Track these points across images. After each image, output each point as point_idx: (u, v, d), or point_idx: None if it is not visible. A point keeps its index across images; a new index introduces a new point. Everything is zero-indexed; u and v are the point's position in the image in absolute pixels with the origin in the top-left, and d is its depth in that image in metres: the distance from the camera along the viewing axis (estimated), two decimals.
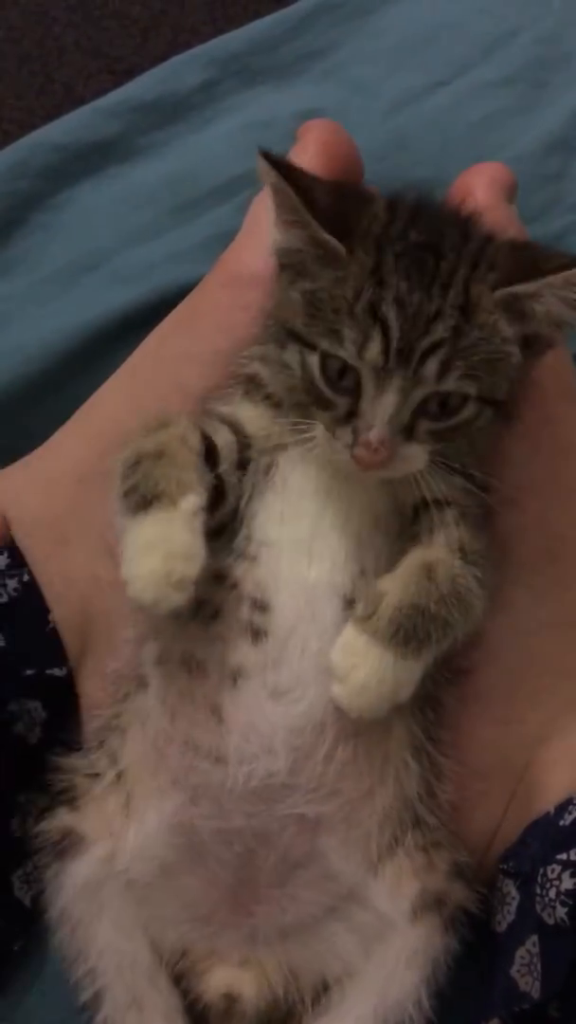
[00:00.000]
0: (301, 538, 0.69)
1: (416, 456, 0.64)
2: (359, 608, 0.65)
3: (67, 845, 0.70)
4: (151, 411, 0.72)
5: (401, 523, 0.70)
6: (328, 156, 0.78)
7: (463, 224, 0.67)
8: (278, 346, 0.68)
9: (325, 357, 0.63)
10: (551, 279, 0.62)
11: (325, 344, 0.63)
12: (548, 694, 0.75)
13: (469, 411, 0.64)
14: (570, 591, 0.77)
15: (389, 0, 1.02)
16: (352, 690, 0.64)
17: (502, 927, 0.71)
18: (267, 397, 0.72)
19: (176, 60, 1.01)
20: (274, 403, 0.72)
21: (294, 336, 0.66)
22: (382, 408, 0.61)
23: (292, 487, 0.70)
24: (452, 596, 0.64)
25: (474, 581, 0.66)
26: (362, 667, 0.63)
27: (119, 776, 0.71)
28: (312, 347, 0.64)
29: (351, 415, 0.63)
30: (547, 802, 0.71)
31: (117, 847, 0.69)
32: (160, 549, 0.61)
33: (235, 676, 0.68)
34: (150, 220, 0.96)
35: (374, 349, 0.61)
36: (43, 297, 0.94)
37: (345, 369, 0.63)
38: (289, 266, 0.67)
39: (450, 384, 0.62)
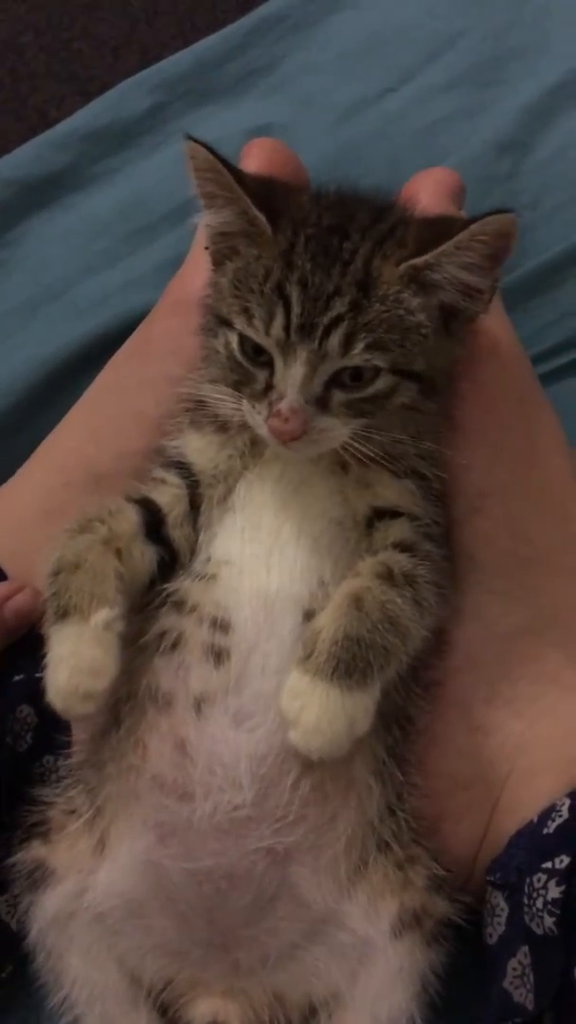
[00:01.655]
0: (260, 552, 0.70)
1: (334, 429, 0.66)
2: (300, 649, 0.66)
3: (38, 877, 0.70)
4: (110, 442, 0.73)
5: (358, 532, 0.71)
6: (271, 173, 0.78)
7: (377, 208, 0.70)
8: (211, 336, 0.71)
9: (241, 335, 0.66)
10: (444, 247, 0.65)
11: (239, 322, 0.66)
12: (527, 700, 0.74)
13: (383, 382, 0.65)
14: (544, 595, 0.76)
15: (331, 10, 1.02)
16: (305, 733, 0.63)
17: (493, 939, 0.70)
18: (213, 421, 0.73)
19: (123, 86, 1.01)
20: (220, 427, 0.72)
21: (221, 320, 0.69)
22: (292, 379, 0.64)
23: (251, 504, 0.72)
24: (384, 622, 0.64)
25: (406, 603, 0.66)
26: (310, 708, 0.63)
27: (96, 813, 0.70)
28: (232, 326, 0.67)
29: (268, 389, 0.65)
30: (531, 810, 0.70)
31: (87, 884, 0.69)
32: (69, 664, 0.64)
33: (199, 704, 0.67)
34: (105, 248, 0.96)
35: (277, 325, 0.64)
36: (4, 333, 0.94)
37: (261, 346, 0.66)
38: (219, 252, 0.70)
39: (356, 357, 0.64)
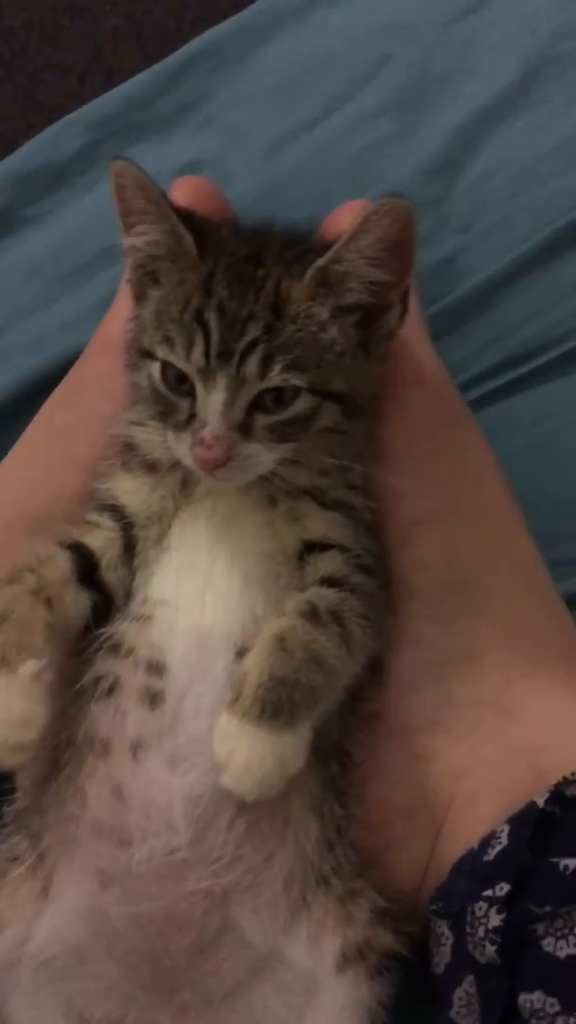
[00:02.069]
0: (194, 591, 0.70)
1: (258, 455, 0.67)
2: (230, 693, 0.66)
3: None
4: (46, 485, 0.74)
5: (290, 566, 0.71)
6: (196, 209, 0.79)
7: (291, 237, 0.72)
8: (135, 370, 0.72)
9: (163, 364, 0.67)
10: (342, 238, 0.66)
11: (161, 351, 0.67)
12: (467, 726, 0.75)
13: (303, 403, 0.66)
14: (482, 619, 0.76)
15: (260, 42, 1.03)
16: (236, 776, 0.63)
17: (440, 968, 0.70)
18: (143, 462, 0.73)
19: (55, 127, 1.02)
20: (150, 467, 0.73)
21: (143, 352, 0.70)
22: (213, 405, 0.65)
23: (185, 543, 0.72)
24: (309, 662, 0.65)
25: (332, 640, 0.66)
26: (240, 751, 0.63)
27: (39, 859, 0.70)
28: (154, 356, 0.68)
29: (191, 418, 0.66)
30: (472, 837, 0.71)
31: (30, 932, 0.69)
32: None
33: (135, 748, 0.68)
34: (40, 290, 0.96)
35: (198, 351, 0.65)
36: None
37: (183, 375, 0.67)
38: (141, 283, 0.72)
39: (275, 379, 0.65)
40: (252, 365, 0.65)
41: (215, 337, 0.65)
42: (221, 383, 0.65)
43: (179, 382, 0.67)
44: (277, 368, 0.65)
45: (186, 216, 0.70)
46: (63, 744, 0.70)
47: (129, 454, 0.74)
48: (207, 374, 0.65)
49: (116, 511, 0.73)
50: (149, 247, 0.70)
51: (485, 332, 0.93)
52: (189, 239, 0.68)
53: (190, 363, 0.66)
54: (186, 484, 0.73)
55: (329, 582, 0.70)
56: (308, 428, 0.67)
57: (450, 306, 0.94)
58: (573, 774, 0.68)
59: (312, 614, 0.66)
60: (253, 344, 0.65)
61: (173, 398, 0.68)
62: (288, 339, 0.65)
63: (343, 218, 0.79)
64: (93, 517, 0.74)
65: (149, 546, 0.73)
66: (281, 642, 0.65)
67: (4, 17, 1.16)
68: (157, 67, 1.04)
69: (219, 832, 0.67)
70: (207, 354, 0.65)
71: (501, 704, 0.75)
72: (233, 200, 0.91)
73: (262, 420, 0.66)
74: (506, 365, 0.92)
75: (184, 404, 0.67)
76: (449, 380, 0.80)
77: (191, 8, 1.15)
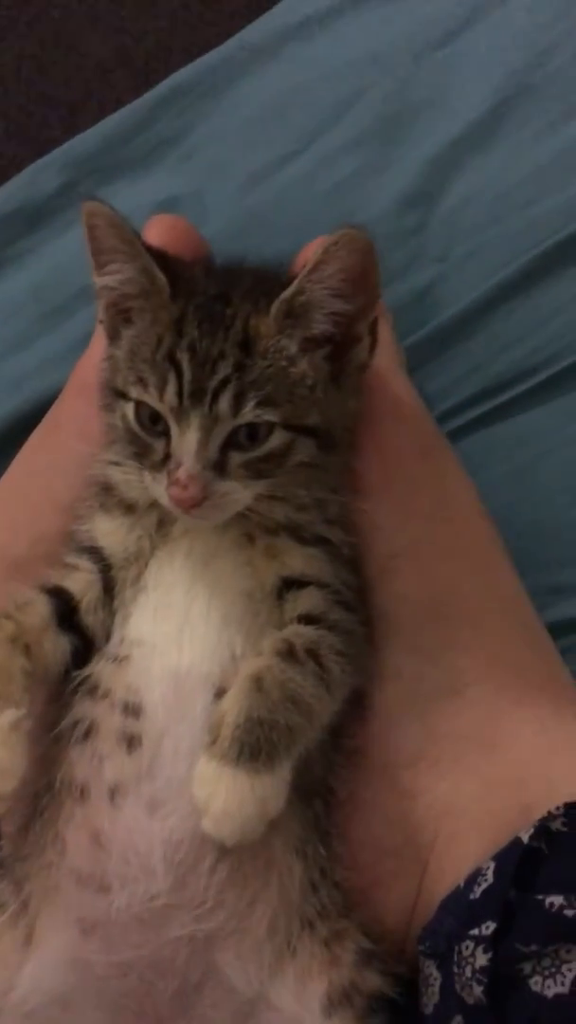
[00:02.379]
0: (172, 631, 0.70)
1: (234, 492, 0.67)
2: (207, 736, 0.65)
3: None
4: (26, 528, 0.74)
5: (268, 604, 0.71)
6: (170, 251, 0.79)
7: (261, 275, 0.72)
8: (109, 411, 0.72)
9: (137, 404, 0.68)
10: (303, 271, 0.67)
11: (135, 392, 0.68)
12: (451, 761, 0.74)
13: (278, 438, 0.67)
14: (463, 651, 0.76)
15: (236, 78, 1.03)
16: (216, 820, 0.63)
17: (429, 1009, 0.69)
18: (119, 502, 0.73)
19: (32, 167, 1.03)
20: (128, 508, 0.73)
21: (117, 393, 0.70)
22: (187, 445, 0.65)
23: (162, 583, 0.72)
24: (285, 702, 0.64)
25: (308, 679, 0.65)
26: (219, 795, 0.63)
27: (22, 907, 0.70)
28: (128, 397, 0.69)
29: (167, 458, 0.66)
30: (458, 874, 0.70)
31: (13, 981, 0.68)
32: None
33: (113, 793, 0.67)
34: (19, 330, 0.97)
35: (170, 391, 0.65)
36: None
37: (157, 414, 0.67)
38: (113, 323, 0.72)
39: (247, 415, 0.65)
40: (224, 403, 0.65)
41: (187, 376, 0.65)
42: (194, 422, 0.65)
43: (153, 422, 0.67)
44: (250, 404, 0.65)
45: (159, 256, 0.70)
46: (43, 790, 0.70)
47: (106, 495, 0.74)
48: (180, 413, 0.65)
49: (95, 553, 0.73)
50: (122, 285, 0.70)
51: (463, 361, 0.93)
52: (162, 278, 0.68)
53: (163, 403, 0.66)
54: (163, 524, 0.73)
55: (307, 619, 0.69)
56: (283, 464, 0.68)
57: (428, 336, 0.94)
58: (558, 808, 0.67)
59: (289, 653, 0.66)
60: (224, 382, 0.65)
61: (148, 438, 0.68)
62: (259, 375, 0.66)
63: (310, 253, 0.79)
64: (72, 559, 0.74)
65: (127, 586, 0.73)
66: (257, 682, 0.65)
67: None
68: (133, 105, 1.04)
69: (200, 877, 0.66)
70: (180, 394, 0.65)
71: (485, 737, 0.74)
72: (210, 236, 0.91)
73: (237, 458, 0.66)
74: (485, 394, 0.92)
75: (159, 444, 0.67)
76: (426, 412, 0.80)
77: (179, 38, 1.16)
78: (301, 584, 0.71)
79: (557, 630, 0.83)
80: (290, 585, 0.71)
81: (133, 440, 0.69)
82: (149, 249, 0.69)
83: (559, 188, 0.95)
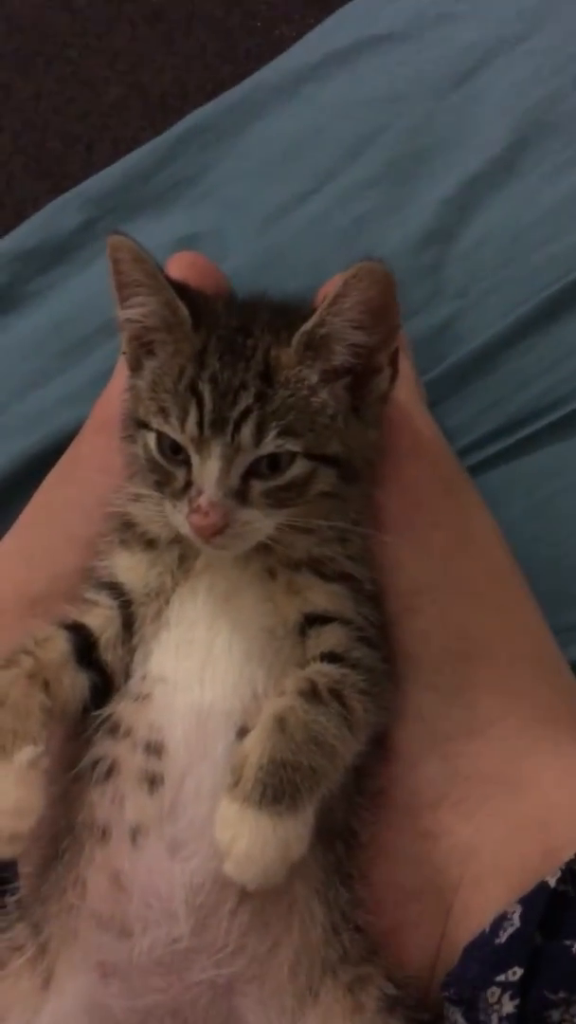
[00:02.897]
0: (194, 668, 0.70)
1: (256, 521, 0.67)
2: (229, 777, 0.64)
3: None
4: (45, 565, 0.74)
5: (291, 640, 0.70)
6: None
7: (281, 308, 0.73)
8: (131, 442, 0.72)
9: (159, 434, 0.68)
10: (324, 304, 0.67)
11: (156, 422, 0.68)
12: (474, 802, 0.73)
13: (299, 467, 0.67)
14: (485, 690, 0.75)
15: (254, 117, 1.05)
16: (239, 863, 0.62)
17: None
18: (140, 538, 0.73)
19: (53, 204, 1.03)
20: (148, 544, 0.73)
21: (139, 423, 0.71)
22: (208, 473, 0.65)
23: (184, 619, 0.72)
24: (309, 743, 0.63)
25: (332, 720, 0.64)
26: (242, 837, 0.62)
27: (40, 950, 0.69)
28: (149, 427, 0.69)
29: (188, 486, 0.67)
30: (483, 918, 0.68)
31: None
32: None
33: (134, 834, 0.66)
34: (39, 367, 0.97)
35: (191, 422, 0.66)
36: None
37: (178, 445, 0.67)
38: (136, 354, 0.73)
39: (269, 445, 0.65)
40: (246, 432, 0.65)
41: (208, 407, 0.66)
42: (216, 451, 0.65)
43: (174, 452, 0.68)
44: (271, 434, 0.65)
45: (181, 289, 0.71)
46: (62, 831, 0.69)
47: (127, 531, 0.74)
48: (201, 443, 0.66)
49: (114, 588, 0.73)
50: (145, 318, 0.71)
51: (484, 396, 0.93)
52: (184, 310, 0.69)
53: (184, 433, 0.66)
54: (184, 559, 0.73)
55: (330, 657, 0.69)
56: (305, 493, 0.68)
57: (448, 371, 0.94)
58: None
59: (312, 693, 0.65)
60: (246, 412, 0.65)
61: (168, 467, 0.68)
62: (280, 405, 0.66)
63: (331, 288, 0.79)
64: (91, 595, 0.73)
65: (147, 623, 0.72)
66: (280, 723, 0.64)
67: (13, 90, 1.18)
68: (153, 143, 1.05)
69: (222, 920, 0.65)
70: (200, 424, 0.66)
71: (508, 778, 0.73)
72: (230, 272, 0.92)
73: (258, 486, 0.66)
74: (505, 430, 0.92)
75: (180, 472, 0.67)
76: (447, 448, 0.80)
77: (194, 75, 1.17)
78: (324, 620, 0.71)
79: None
80: (313, 621, 0.71)
81: (155, 468, 0.69)
82: (172, 282, 0.70)
83: (574, 228, 0.95)
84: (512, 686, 0.75)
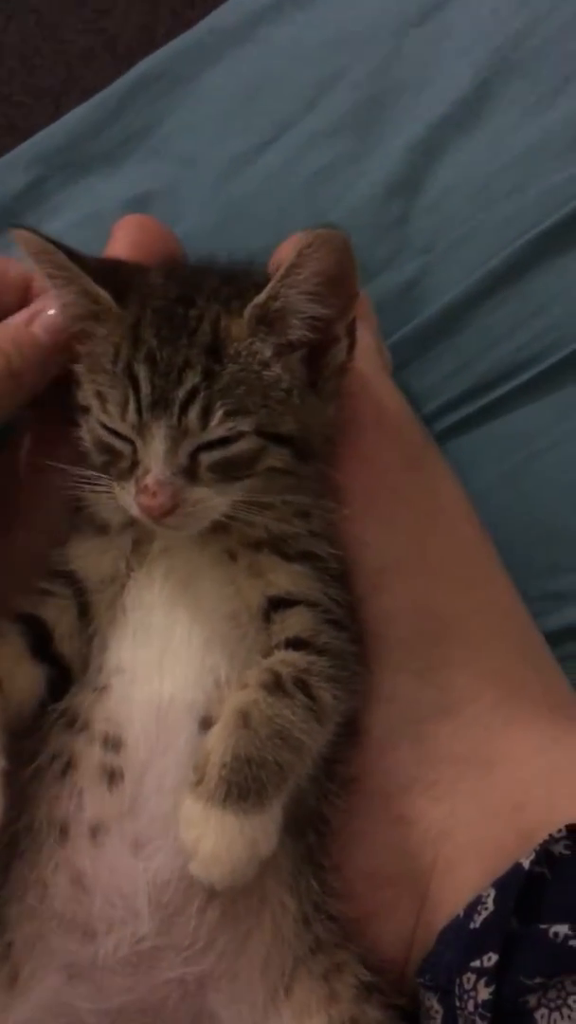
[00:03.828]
0: (152, 657, 0.68)
1: (208, 499, 0.64)
2: (193, 774, 0.62)
3: None
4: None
5: (255, 625, 0.68)
6: (140, 253, 0.76)
7: (229, 273, 0.69)
8: (75, 427, 0.69)
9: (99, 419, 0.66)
10: (277, 275, 0.64)
11: (95, 407, 0.65)
12: (447, 784, 0.71)
13: (247, 443, 0.64)
14: (456, 669, 0.73)
15: (208, 64, 0.98)
16: (205, 864, 0.60)
17: None
18: (92, 523, 0.71)
19: None
20: (100, 528, 0.71)
21: (81, 409, 0.68)
22: (154, 452, 0.62)
23: (141, 607, 0.69)
24: (274, 738, 0.61)
25: (298, 713, 0.62)
26: (207, 837, 0.60)
27: (6, 949, 0.67)
28: (90, 411, 0.66)
29: (135, 465, 0.64)
30: (457, 903, 0.67)
31: None
32: None
33: (95, 831, 0.65)
34: None
35: (131, 409, 0.63)
36: None
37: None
38: (74, 338, 0.69)
39: (219, 430, 0.62)
40: (193, 415, 0.62)
41: (146, 390, 0.62)
42: (159, 433, 0.62)
43: (118, 433, 0.65)
44: (218, 415, 0.62)
45: (104, 265, 0.68)
46: (22, 830, 0.67)
47: (78, 516, 0.71)
48: (143, 428, 0.63)
49: (68, 576, 0.71)
50: (67, 308, 0.68)
51: (451, 358, 0.89)
52: (105, 295, 0.66)
53: (125, 421, 0.64)
54: (140, 543, 0.70)
55: (296, 644, 0.66)
56: (253, 466, 0.65)
57: (414, 332, 0.89)
58: (559, 831, 0.65)
59: (276, 685, 0.63)
60: (193, 393, 0.62)
61: (115, 445, 0.65)
62: (229, 381, 0.63)
63: (285, 252, 0.75)
64: (45, 585, 0.71)
65: (103, 611, 0.70)
66: (244, 718, 0.62)
67: None
68: (102, 95, 0.99)
69: (190, 918, 0.64)
70: (139, 410, 0.63)
71: (482, 759, 0.71)
72: (186, 232, 0.88)
73: (205, 460, 0.63)
74: (474, 392, 0.88)
75: (127, 451, 0.65)
76: (413, 418, 0.76)
77: (163, 22, 1.11)
78: (289, 603, 0.68)
79: (556, 638, 0.80)
80: (277, 605, 0.68)
81: (101, 449, 0.66)
82: (88, 265, 0.66)
83: (547, 172, 0.90)
84: (485, 664, 0.73)
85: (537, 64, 0.92)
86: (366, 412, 0.73)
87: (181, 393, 0.62)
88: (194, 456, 0.63)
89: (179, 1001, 0.64)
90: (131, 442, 0.64)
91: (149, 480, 0.62)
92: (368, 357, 0.74)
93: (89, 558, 0.70)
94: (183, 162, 0.97)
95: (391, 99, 0.96)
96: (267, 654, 0.66)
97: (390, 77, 0.96)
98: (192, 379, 0.62)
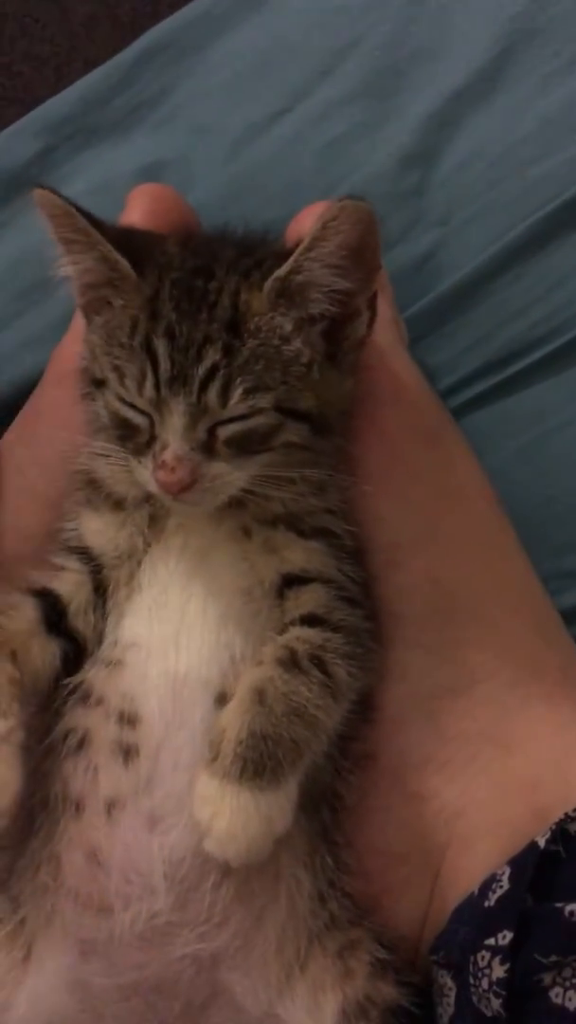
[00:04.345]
0: (168, 632, 0.67)
1: (227, 474, 0.63)
2: (208, 751, 0.62)
3: None
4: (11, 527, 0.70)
5: (269, 601, 0.68)
6: (155, 223, 0.75)
7: (246, 244, 0.68)
8: (91, 400, 0.68)
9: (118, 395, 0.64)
10: (301, 246, 0.62)
11: (113, 382, 0.64)
12: (461, 762, 0.71)
13: (265, 418, 0.62)
14: (471, 647, 0.72)
15: (219, 31, 0.96)
16: (220, 841, 0.60)
17: (444, 1021, 0.67)
18: (107, 499, 0.70)
19: (6, 133, 0.96)
20: (116, 504, 0.70)
21: (97, 382, 0.66)
22: (172, 427, 0.61)
23: (156, 583, 0.69)
24: (289, 715, 0.61)
25: (313, 690, 0.62)
26: (222, 815, 0.60)
27: (20, 924, 0.67)
28: (107, 385, 0.65)
29: (152, 440, 0.63)
30: (471, 880, 0.67)
31: (12, 999, 0.66)
32: None
33: (110, 807, 0.64)
34: None
35: (149, 385, 0.62)
36: None
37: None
38: (89, 307, 0.68)
39: (239, 407, 0.61)
40: (213, 393, 0.61)
41: (164, 365, 0.61)
42: (178, 409, 0.61)
43: (136, 407, 0.64)
44: (238, 393, 0.61)
45: (122, 233, 0.66)
46: (37, 805, 0.67)
47: (93, 490, 0.70)
48: (161, 403, 0.62)
49: (83, 552, 0.70)
50: (84, 275, 0.66)
51: (469, 332, 0.87)
52: (124, 263, 0.64)
53: (142, 397, 0.62)
54: (155, 519, 0.69)
55: (311, 620, 0.66)
56: (269, 441, 0.64)
57: (429, 306, 0.88)
58: (575, 810, 0.64)
59: (292, 662, 0.63)
60: (213, 370, 0.61)
61: (132, 419, 0.64)
62: (249, 357, 0.62)
63: (305, 223, 0.74)
64: (60, 560, 0.70)
65: (119, 587, 0.69)
66: (259, 695, 0.61)
67: None
68: (111, 63, 0.97)
69: (204, 894, 0.63)
70: (157, 385, 0.62)
71: (496, 737, 0.71)
72: (198, 202, 0.86)
73: (223, 433, 0.62)
74: (490, 367, 0.87)
75: (145, 425, 0.63)
76: (429, 393, 0.75)
77: None
78: (303, 580, 0.67)
79: (572, 616, 0.80)
80: (291, 582, 0.68)
81: (117, 424, 0.65)
82: (109, 232, 0.64)
83: (565, 144, 0.88)
84: (500, 642, 0.72)
85: (556, 33, 0.90)
86: (383, 386, 0.71)
87: (201, 370, 0.61)
88: (212, 431, 0.62)
89: (193, 977, 0.64)
90: (149, 416, 0.63)
91: (167, 455, 0.61)
92: (386, 329, 0.72)
93: (105, 534, 0.69)
94: (195, 131, 0.95)
95: (407, 68, 0.93)
96: (281, 631, 0.66)
97: (406, 45, 0.94)
98: (212, 356, 0.61)
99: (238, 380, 0.61)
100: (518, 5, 0.91)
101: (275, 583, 0.68)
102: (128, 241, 0.65)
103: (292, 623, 0.66)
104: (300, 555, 0.68)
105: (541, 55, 0.91)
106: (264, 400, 0.62)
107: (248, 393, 0.61)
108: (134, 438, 0.64)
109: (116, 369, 0.63)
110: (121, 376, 0.63)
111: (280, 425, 0.63)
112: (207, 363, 0.61)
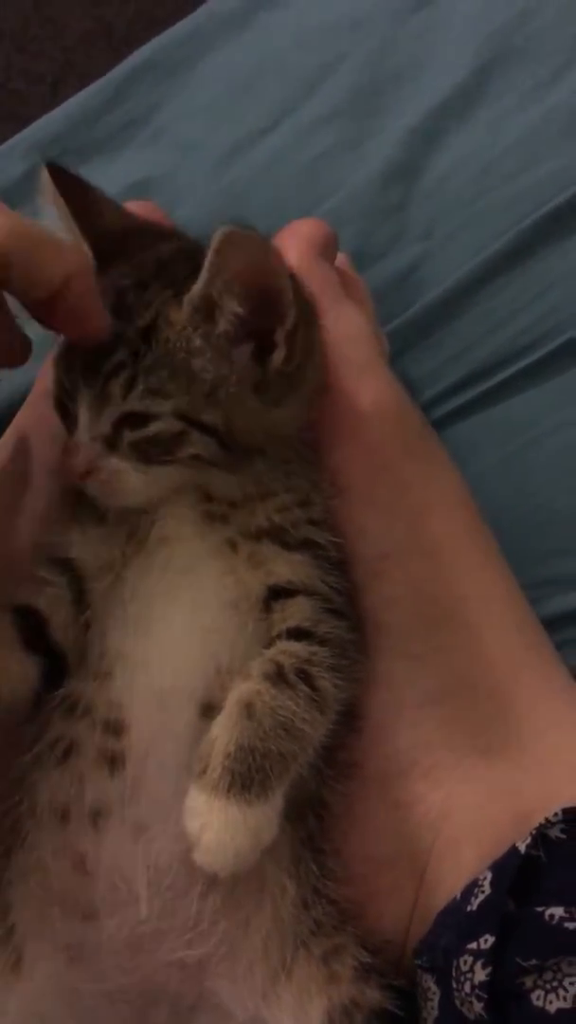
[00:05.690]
0: (152, 645, 0.68)
1: (123, 472, 0.66)
2: (196, 764, 0.63)
3: None
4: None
5: (255, 614, 0.68)
6: None
7: (187, 255, 0.68)
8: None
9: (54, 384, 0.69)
10: (204, 269, 0.63)
11: (56, 368, 0.68)
12: (444, 769, 0.72)
13: (165, 425, 0.65)
14: (455, 655, 0.73)
15: (205, 50, 0.99)
16: (208, 853, 0.61)
17: None
18: (92, 511, 0.70)
19: None
20: (99, 517, 0.71)
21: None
22: (81, 419, 0.66)
23: (141, 595, 0.69)
24: (277, 728, 0.62)
25: (300, 704, 0.63)
26: (210, 827, 0.60)
27: (9, 931, 0.68)
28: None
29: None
30: (455, 884, 0.68)
31: (4, 1006, 0.66)
32: None
33: (95, 816, 0.65)
34: None
35: (75, 370, 0.66)
36: None
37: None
38: None
39: (135, 403, 0.64)
40: (115, 387, 0.64)
41: (83, 360, 0.65)
42: (85, 399, 0.65)
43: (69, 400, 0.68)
44: (139, 391, 0.64)
45: (107, 231, 0.70)
46: (24, 814, 0.68)
47: (78, 503, 0.71)
48: (75, 391, 0.66)
49: (65, 564, 0.71)
50: None
51: (450, 344, 0.89)
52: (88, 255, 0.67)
53: (66, 386, 0.67)
54: (136, 532, 0.70)
55: (297, 634, 0.67)
56: (174, 451, 0.66)
57: (413, 318, 0.89)
58: (556, 815, 0.65)
59: (279, 676, 0.64)
60: (119, 367, 0.64)
61: (68, 405, 0.67)
62: (154, 363, 0.64)
63: (287, 243, 0.75)
64: (42, 573, 0.71)
65: (101, 599, 0.70)
66: (247, 709, 0.62)
67: None
68: (99, 83, 1.00)
69: (191, 901, 0.64)
70: (74, 376, 0.65)
71: (480, 743, 0.72)
72: (185, 218, 0.88)
73: (128, 436, 0.65)
74: (473, 378, 0.88)
75: (73, 411, 0.67)
76: (411, 406, 0.76)
77: (161, 6, 1.12)
78: (288, 593, 0.68)
79: (553, 624, 0.81)
80: (277, 595, 0.68)
81: (61, 411, 0.69)
82: (92, 223, 0.69)
83: (546, 157, 0.90)
84: (482, 650, 0.73)
85: (535, 49, 0.92)
86: (364, 400, 0.72)
87: (108, 365, 0.64)
88: (118, 429, 0.65)
89: (180, 983, 0.65)
90: (71, 407, 0.67)
91: (71, 441, 0.66)
92: (365, 344, 0.74)
93: (88, 546, 0.70)
94: (181, 149, 0.97)
95: (390, 85, 0.96)
96: (267, 643, 0.67)
97: (389, 63, 0.96)
98: (121, 355, 0.64)
99: (141, 379, 0.64)
100: (498, 22, 0.94)
101: (261, 596, 0.68)
102: (117, 233, 0.69)
103: (279, 636, 0.67)
104: (285, 568, 0.69)
105: (521, 70, 0.93)
106: (165, 405, 0.64)
107: (149, 393, 0.64)
108: (67, 426, 0.68)
109: (55, 360, 0.68)
110: (57, 363, 0.67)
111: (183, 434, 0.65)
112: (115, 360, 0.64)
